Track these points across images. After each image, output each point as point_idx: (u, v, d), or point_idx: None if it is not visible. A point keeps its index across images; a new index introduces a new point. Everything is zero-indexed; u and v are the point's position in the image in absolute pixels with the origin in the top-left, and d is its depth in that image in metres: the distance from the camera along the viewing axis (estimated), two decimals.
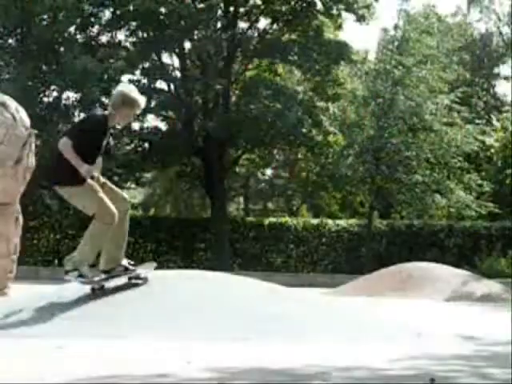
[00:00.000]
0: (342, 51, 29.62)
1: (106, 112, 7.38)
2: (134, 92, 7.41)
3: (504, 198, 31.78)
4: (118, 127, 7.37)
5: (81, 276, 7.21)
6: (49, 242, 29.57)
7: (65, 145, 7.06)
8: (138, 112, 7.67)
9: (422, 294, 17.22)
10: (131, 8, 28.94)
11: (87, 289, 7.43)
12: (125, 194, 7.79)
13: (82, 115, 29.95)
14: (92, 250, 7.27)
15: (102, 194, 7.21)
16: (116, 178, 29.30)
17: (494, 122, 36.52)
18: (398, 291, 17.52)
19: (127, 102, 7.32)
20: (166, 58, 31.32)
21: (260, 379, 4.96)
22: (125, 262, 7.48)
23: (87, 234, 7.29)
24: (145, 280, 7.50)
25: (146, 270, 7.65)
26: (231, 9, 30.44)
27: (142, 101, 7.43)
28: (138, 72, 29.93)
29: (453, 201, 28.43)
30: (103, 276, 7.40)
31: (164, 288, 7.43)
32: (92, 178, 7.21)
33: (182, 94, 29.89)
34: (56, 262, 29.10)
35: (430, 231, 29.80)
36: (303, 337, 6.95)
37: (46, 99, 28.70)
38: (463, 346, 7.30)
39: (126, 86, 7.73)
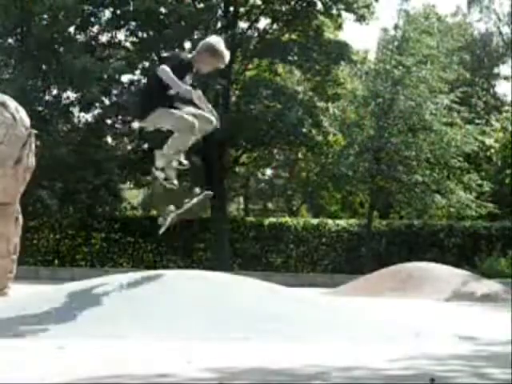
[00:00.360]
0: (342, 51, 29.61)
1: (190, 55, 7.67)
2: (219, 44, 7.65)
3: (504, 198, 31.79)
4: (202, 71, 7.69)
5: (155, 178, 7.84)
6: (49, 242, 29.57)
7: (164, 70, 7.25)
8: (222, 65, 7.82)
9: (422, 294, 17.22)
10: (131, 8, 28.96)
11: (86, 288, 7.46)
12: (212, 116, 7.78)
13: (82, 115, 30.06)
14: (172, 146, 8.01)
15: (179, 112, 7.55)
16: (116, 178, 29.34)
17: (494, 122, 36.51)
18: (398, 291, 17.51)
19: (210, 50, 7.59)
20: None
21: (260, 379, 4.96)
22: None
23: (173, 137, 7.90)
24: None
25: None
26: (231, 9, 30.42)
27: (225, 54, 7.65)
28: (137, 72, 29.91)
29: (453, 201, 28.42)
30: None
31: (164, 288, 7.43)
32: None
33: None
34: (56, 261, 29.12)
35: (429, 231, 29.78)
36: (303, 337, 6.94)
37: (45, 99, 28.71)
38: (463, 346, 7.30)
39: (214, 37, 7.98)
